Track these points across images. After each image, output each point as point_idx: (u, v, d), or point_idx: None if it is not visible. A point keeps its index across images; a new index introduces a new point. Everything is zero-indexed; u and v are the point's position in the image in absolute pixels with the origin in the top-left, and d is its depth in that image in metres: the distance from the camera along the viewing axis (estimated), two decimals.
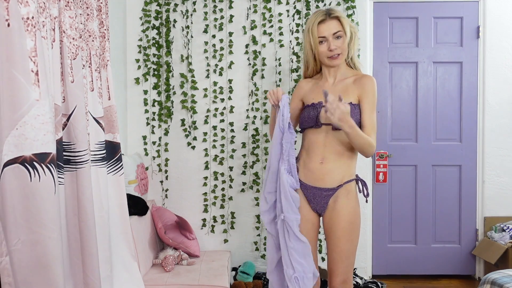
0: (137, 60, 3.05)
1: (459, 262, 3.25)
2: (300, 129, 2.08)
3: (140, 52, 3.05)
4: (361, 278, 2.93)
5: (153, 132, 3.08)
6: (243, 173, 3.08)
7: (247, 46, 3.06)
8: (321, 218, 2.02)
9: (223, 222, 3.11)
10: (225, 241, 3.11)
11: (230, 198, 3.10)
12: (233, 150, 3.08)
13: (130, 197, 2.38)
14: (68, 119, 1.62)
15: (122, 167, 2.07)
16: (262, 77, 3.06)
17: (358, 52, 2.97)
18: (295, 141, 1.97)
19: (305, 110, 1.99)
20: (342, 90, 1.94)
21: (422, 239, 3.25)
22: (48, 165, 1.36)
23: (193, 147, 3.08)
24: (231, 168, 3.08)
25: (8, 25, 1.28)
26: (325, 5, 3.04)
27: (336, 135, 1.90)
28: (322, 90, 1.86)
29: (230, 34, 3.04)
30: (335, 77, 2.00)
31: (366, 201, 2.00)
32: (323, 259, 3.06)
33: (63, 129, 1.61)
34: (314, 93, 2.00)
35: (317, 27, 1.90)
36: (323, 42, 1.91)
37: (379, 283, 2.86)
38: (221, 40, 3.05)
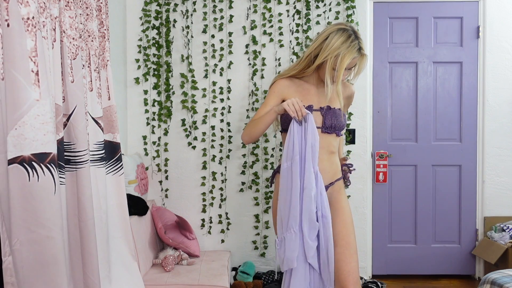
0: (137, 60, 3.05)
1: (459, 262, 3.25)
2: (281, 129, 2.08)
3: (140, 52, 3.05)
4: (361, 278, 2.94)
5: (153, 132, 3.08)
6: (243, 172, 3.08)
7: (247, 46, 3.06)
8: None
9: (220, 222, 3.11)
10: (222, 241, 3.11)
11: (227, 198, 3.10)
12: (230, 150, 3.08)
13: (130, 197, 2.38)
14: (68, 119, 1.62)
15: (122, 167, 2.07)
16: (262, 77, 3.06)
17: None
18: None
19: None
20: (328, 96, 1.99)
21: (422, 239, 3.25)
22: (48, 165, 1.36)
23: (194, 147, 3.08)
24: (230, 168, 3.09)
25: (8, 25, 1.28)
26: (325, 5, 3.04)
27: (325, 137, 1.97)
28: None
29: (230, 34, 3.04)
30: (319, 84, 2.05)
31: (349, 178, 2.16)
32: None
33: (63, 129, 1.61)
34: (302, 95, 2.00)
35: (348, 60, 1.88)
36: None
37: (379, 283, 2.86)
38: (221, 40, 3.05)
